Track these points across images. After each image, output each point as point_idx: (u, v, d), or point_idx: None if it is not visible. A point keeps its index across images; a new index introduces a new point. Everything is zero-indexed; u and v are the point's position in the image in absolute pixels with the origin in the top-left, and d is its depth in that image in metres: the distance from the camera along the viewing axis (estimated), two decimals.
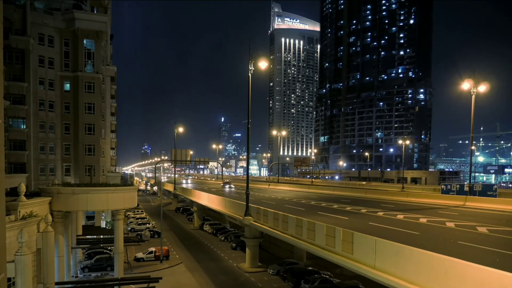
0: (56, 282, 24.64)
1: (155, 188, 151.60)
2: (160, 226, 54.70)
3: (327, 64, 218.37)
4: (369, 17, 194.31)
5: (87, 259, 41.11)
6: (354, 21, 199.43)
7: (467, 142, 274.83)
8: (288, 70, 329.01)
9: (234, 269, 42.29)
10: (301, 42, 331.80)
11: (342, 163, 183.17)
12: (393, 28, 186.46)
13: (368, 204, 43.67)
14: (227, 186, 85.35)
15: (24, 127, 43.95)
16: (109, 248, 42.04)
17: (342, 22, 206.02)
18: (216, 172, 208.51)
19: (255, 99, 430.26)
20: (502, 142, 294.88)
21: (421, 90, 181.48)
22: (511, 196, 46.42)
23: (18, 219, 21.49)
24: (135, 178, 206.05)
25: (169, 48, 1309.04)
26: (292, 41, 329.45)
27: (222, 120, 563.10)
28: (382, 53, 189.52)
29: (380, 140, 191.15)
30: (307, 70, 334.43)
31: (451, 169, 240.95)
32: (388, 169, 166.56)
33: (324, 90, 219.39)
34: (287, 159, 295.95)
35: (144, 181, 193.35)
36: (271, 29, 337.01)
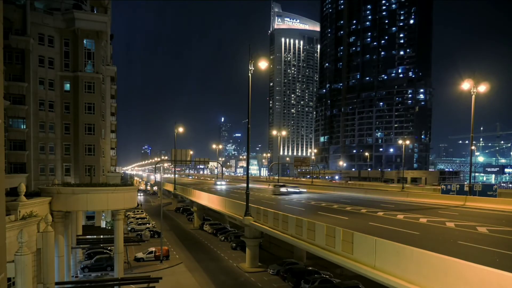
0: (56, 282, 24.64)
1: (155, 188, 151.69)
2: (160, 226, 54.70)
3: (327, 64, 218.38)
4: (369, 17, 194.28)
5: (87, 259, 41.11)
6: (354, 21, 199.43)
7: (467, 142, 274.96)
8: (288, 70, 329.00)
9: (234, 269, 42.30)
10: (301, 42, 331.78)
11: (342, 163, 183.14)
12: (393, 28, 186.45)
13: (368, 204, 43.63)
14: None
15: (24, 127, 43.92)
16: (109, 248, 42.03)
17: (342, 22, 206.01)
18: (216, 172, 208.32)
19: (255, 99, 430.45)
20: (502, 142, 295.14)
21: (421, 90, 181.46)
22: (511, 196, 46.41)
23: (18, 219, 21.48)
24: (135, 178, 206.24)
25: (169, 48, 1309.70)
26: (292, 41, 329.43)
27: (222, 120, 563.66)
28: (382, 53, 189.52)
29: (380, 140, 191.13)
30: (307, 70, 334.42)
31: (451, 169, 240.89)
32: (388, 169, 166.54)
33: (324, 90, 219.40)
34: (287, 159, 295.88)
35: (144, 181, 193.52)
36: (271, 29, 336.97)
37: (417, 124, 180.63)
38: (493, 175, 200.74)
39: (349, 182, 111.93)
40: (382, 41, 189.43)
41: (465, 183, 61.53)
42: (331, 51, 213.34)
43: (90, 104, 47.95)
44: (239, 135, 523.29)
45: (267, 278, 38.49)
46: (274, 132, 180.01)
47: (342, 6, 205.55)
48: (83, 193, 28.92)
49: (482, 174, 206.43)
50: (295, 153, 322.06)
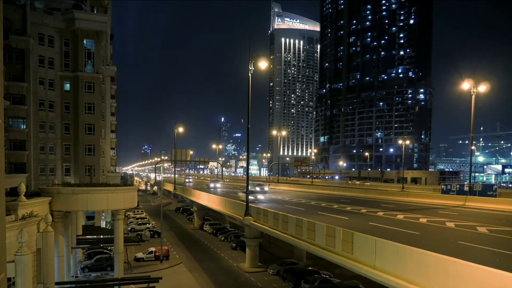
0: (56, 282, 24.64)
1: (155, 188, 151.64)
2: (160, 226, 54.70)
3: (327, 64, 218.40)
4: (369, 17, 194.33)
5: (87, 259, 41.12)
6: (354, 21, 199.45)
7: (467, 142, 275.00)
8: (288, 70, 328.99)
9: (234, 269, 42.30)
10: (301, 42, 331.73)
11: (342, 163, 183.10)
12: (393, 28, 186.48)
13: (368, 204, 43.66)
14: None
15: (24, 127, 43.93)
16: (109, 248, 42.04)
17: (342, 22, 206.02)
18: (216, 172, 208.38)
19: (255, 99, 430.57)
20: (502, 142, 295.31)
21: (421, 90, 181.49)
22: (511, 196, 46.41)
23: (18, 219, 21.46)
24: (135, 178, 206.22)
25: (169, 47, 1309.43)
26: (292, 41, 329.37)
27: (222, 120, 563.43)
28: (382, 53, 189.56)
29: (380, 140, 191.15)
30: (307, 70, 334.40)
31: (451, 169, 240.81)
32: (388, 169, 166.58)
33: (324, 90, 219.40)
34: (287, 159, 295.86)
35: (144, 181, 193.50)
36: (271, 29, 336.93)
37: (417, 124, 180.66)
38: (493, 175, 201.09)
39: (349, 182, 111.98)
40: (382, 41, 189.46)
41: (465, 183, 61.51)
42: (331, 51, 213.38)
43: (90, 104, 47.95)
44: (239, 135, 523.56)
45: (267, 278, 38.49)
46: (274, 132, 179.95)
47: (342, 6, 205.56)
48: (83, 193, 28.92)
49: (482, 174, 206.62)
50: (295, 153, 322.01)
